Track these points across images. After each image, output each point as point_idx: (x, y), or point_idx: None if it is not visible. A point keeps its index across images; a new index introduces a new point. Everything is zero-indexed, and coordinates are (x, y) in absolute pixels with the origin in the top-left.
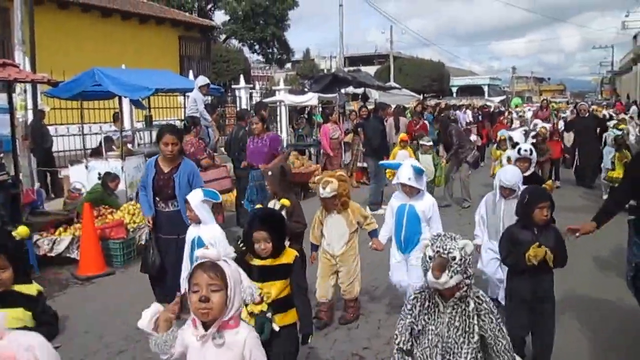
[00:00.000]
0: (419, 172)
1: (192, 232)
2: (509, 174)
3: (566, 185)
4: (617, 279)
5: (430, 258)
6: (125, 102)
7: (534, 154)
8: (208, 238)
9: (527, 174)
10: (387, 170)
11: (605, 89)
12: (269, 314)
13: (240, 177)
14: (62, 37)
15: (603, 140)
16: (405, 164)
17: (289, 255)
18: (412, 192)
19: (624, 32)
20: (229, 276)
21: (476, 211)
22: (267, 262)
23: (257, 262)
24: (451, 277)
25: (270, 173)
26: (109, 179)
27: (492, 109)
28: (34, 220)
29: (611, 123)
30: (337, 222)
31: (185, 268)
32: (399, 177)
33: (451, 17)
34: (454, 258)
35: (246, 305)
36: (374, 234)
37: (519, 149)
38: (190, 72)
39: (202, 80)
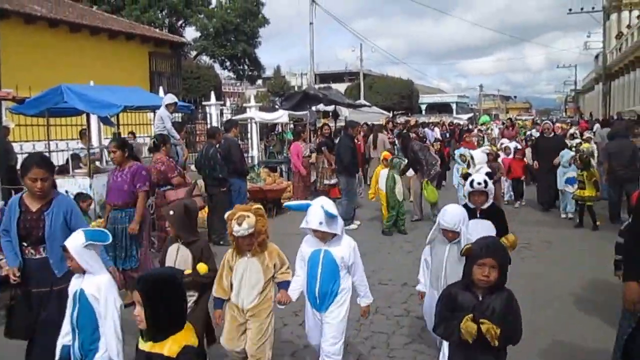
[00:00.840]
0: (331, 216)
1: (74, 285)
2: (448, 215)
3: (532, 202)
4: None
5: None
6: (94, 119)
7: (490, 185)
8: (92, 291)
9: (484, 206)
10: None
11: (569, 107)
12: None
13: (212, 195)
14: (29, 52)
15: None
16: (314, 206)
17: (174, 345)
18: (325, 236)
19: (586, 52)
20: None
21: (422, 253)
22: (146, 346)
23: (141, 343)
24: None
25: (171, 213)
26: (80, 199)
27: (462, 127)
28: None
29: (574, 142)
30: (250, 267)
31: (64, 330)
32: (308, 221)
33: (420, 36)
34: None
35: None
36: (284, 285)
37: (472, 181)
38: (161, 88)
39: (170, 98)
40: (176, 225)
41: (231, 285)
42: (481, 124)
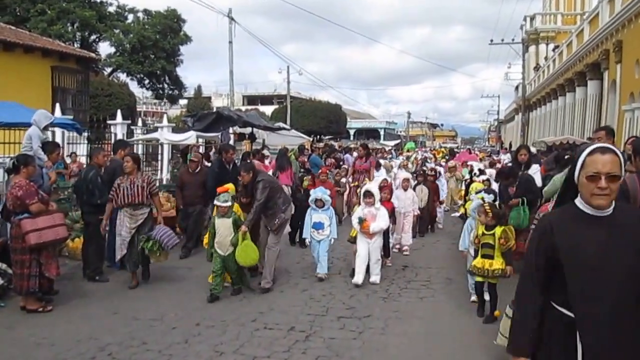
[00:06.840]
0: None
1: None
2: None
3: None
4: None
5: None
6: None
7: None
8: None
9: None
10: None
11: (491, 136)
12: None
13: (89, 223)
14: None
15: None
16: None
17: None
18: None
19: (507, 83)
20: None
21: None
22: None
23: None
24: None
25: None
26: None
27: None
28: None
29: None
30: None
31: None
32: None
33: (351, 62)
34: None
35: None
36: None
37: None
38: (58, 105)
39: (45, 118)
40: None
41: None
42: (407, 150)
